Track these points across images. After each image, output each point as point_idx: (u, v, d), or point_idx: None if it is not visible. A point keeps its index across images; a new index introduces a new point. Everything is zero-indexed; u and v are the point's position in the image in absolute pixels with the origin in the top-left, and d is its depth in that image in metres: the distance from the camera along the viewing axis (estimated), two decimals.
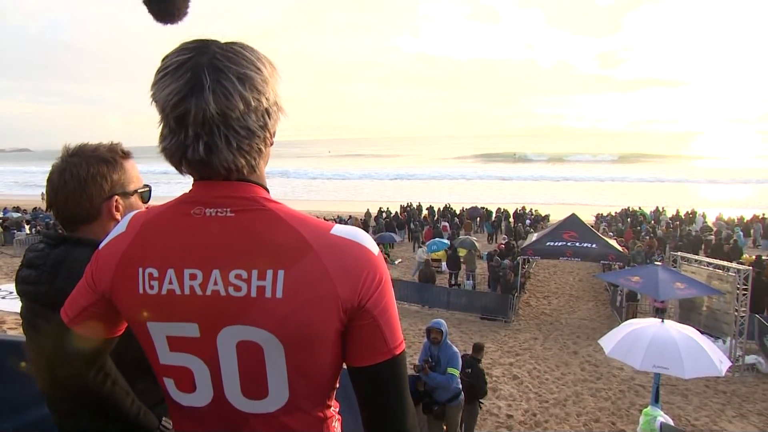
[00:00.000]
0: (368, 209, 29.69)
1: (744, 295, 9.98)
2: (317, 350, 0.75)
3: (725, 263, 11.16)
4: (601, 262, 15.69)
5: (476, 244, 18.65)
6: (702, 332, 9.27)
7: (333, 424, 0.84)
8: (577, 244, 14.35)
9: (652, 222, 25.51)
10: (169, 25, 1.01)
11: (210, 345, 0.75)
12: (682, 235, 20.64)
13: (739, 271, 10.13)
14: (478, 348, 6.61)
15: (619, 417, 7.64)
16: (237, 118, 0.72)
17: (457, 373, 5.25)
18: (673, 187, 48.33)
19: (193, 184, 0.79)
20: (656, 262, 12.11)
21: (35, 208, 27.88)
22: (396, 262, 19.78)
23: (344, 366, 0.82)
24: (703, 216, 25.88)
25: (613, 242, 15.29)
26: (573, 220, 15.44)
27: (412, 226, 24.59)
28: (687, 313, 11.38)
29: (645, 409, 4.64)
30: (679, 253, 12.74)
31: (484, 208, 28.70)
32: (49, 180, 1.18)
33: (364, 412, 0.79)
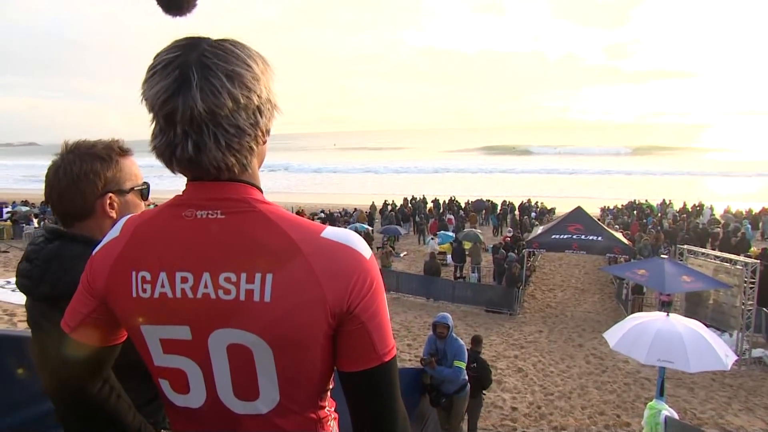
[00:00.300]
0: (373, 202, 29.69)
1: (751, 288, 9.91)
2: (306, 354, 0.75)
3: (732, 256, 11.08)
4: (607, 255, 15.64)
5: (481, 236, 18.63)
6: (708, 326, 9.26)
7: (328, 423, 0.84)
8: (583, 236, 14.30)
9: (659, 215, 25.34)
10: (177, 17, 1.00)
11: (201, 347, 0.75)
12: (689, 228, 20.51)
13: (746, 264, 10.06)
14: (478, 341, 6.66)
15: (624, 410, 7.64)
16: (226, 116, 0.71)
17: (463, 365, 5.28)
18: (681, 180, 47.88)
19: (186, 185, 0.78)
20: (662, 255, 12.06)
21: (43, 201, 28.14)
22: (401, 255, 19.80)
23: None
24: (711, 209, 25.67)
25: (618, 235, 15.21)
26: (579, 213, 15.37)
27: (417, 218, 24.56)
28: (693, 307, 11.33)
29: (650, 403, 4.63)
30: (685, 247, 12.68)
31: (489, 200, 28.63)
32: (46, 176, 1.19)
33: (353, 417, 0.79)
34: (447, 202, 29.40)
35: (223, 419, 0.78)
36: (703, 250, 12.75)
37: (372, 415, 0.77)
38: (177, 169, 0.75)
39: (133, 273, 0.76)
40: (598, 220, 17.79)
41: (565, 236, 14.50)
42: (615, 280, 14.96)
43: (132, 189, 1.22)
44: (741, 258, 10.84)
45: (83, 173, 1.14)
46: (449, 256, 17.53)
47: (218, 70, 0.70)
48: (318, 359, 0.76)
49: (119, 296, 0.78)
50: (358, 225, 21.74)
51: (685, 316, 10.12)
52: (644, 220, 23.31)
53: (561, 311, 13.67)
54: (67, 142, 1.20)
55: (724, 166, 57.34)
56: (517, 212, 26.57)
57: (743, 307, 9.95)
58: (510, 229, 22.54)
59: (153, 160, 0.74)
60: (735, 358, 4.82)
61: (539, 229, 16.88)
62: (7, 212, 22.99)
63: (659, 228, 20.45)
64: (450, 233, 19.71)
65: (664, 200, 28.80)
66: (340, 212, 27.36)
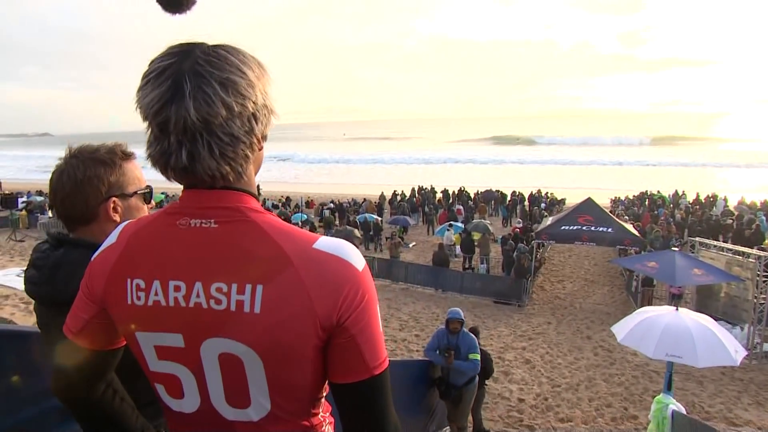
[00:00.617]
0: (383, 192, 29.68)
1: (764, 281, 9.78)
2: (295, 365, 0.75)
3: (745, 249, 10.93)
4: (617, 246, 15.51)
5: (490, 227, 18.57)
6: (720, 319, 9.18)
7: (323, 429, 0.84)
8: (593, 228, 14.17)
9: (671, 206, 25.01)
10: (177, 14, 1.00)
11: (194, 355, 0.76)
12: (701, 220, 20.24)
13: (759, 257, 9.92)
14: (476, 332, 6.72)
15: (631, 402, 7.62)
16: (220, 125, 0.71)
17: (478, 357, 5.34)
18: (696, 170, 47.02)
19: (181, 192, 0.79)
20: (673, 248, 11.93)
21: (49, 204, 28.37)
22: (410, 246, 19.82)
23: None
24: (725, 200, 25.21)
25: (629, 227, 15.06)
26: (589, 204, 15.23)
27: (426, 209, 24.51)
28: (704, 300, 11.21)
29: (657, 397, 4.62)
30: (697, 239, 12.51)
31: (498, 191, 28.45)
32: (50, 181, 1.20)
33: (344, 428, 0.79)
34: (456, 192, 29.29)
35: (216, 425, 0.79)
36: (716, 243, 12.57)
37: (362, 427, 0.78)
38: (172, 177, 0.75)
39: (129, 280, 0.77)
40: (609, 211, 17.62)
41: (575, 228, 14.39)
42: (625, 271, 14.84)
43: (135, 193, 1.23)
44: (754, 251, 10.68)
45: (87, 178, 1.15)
46: (458, 247, 17.51)
47: (212, 78, 0.70)
48: (309, 370, 0.76)
49: (116, 303, 0.79)
50: (367, 215, 21.77)
51: (696, 309, 10.07)
52: (656, 212, 23.03)
53: (570, 303, 13.62)
54: (71, 146, 1.21)
55: (741, 156, 56.12)
56: (527, 203, 26.40)
57: (755, 300, 9.83)
58: (519, 220, 22.42)
59: None
60: (744, 353, 4.77)
61: (549, 220, 16.77)
62: (22, 202, 23.32)
63: (671, 219, 20.20)
64: (459, 224, 19.67)
65: (676, 191, 28.35)
66: (349, 202, 27.40)
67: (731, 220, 19.54)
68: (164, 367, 0.79)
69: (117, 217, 1.19)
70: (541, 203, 25.72)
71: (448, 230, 18.42)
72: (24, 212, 21.84)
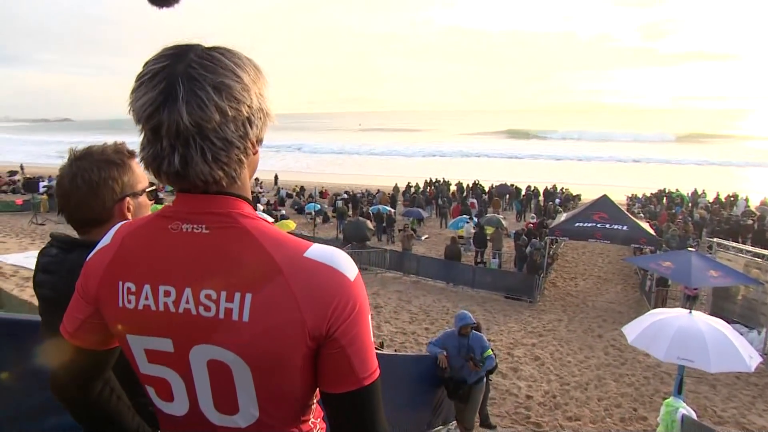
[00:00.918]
0: (396, 183, 29.62)
1: None
2: (284, 374, 0.74)
3: (765, 251, 10.69)
4: (632, 245, 15.29)
5: (503, 222, 18.44)
6: (736, 322, 9.02)
7: None
8: (608, 225, 13.99)
9: (689, 205, 24.52)
10: (163, 8, 0.98)
11: (183, 360, 0.75)
12: (720, 220, 19.83)
13: None
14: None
15: (641, 404, 7.56)
16: (213, 129, 0.70)
17: (491, 352, 5.38)
18: (717, 169, 45.86)
19: (175, 196, 0.78)
20: (690, 248, 11.72)
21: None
22: (423, 238, 19.79)
23: None
24: (746, 200, 24.65)
25: (645, 225, 14.83)
26: (604, 201, 15.03)
27: (440, 202, 24.40)
28: (721, 302, 11.02)
29: (667, 400, 4.55)
30: (715, 239, 12.28)
31: (513, 185, 28.20)
32: (59, 185, 1.20)
33: None
34: (470, 185, 29.12)
35: (204, 429, 0.79)
36: (734, 244, 12.32)
37: None
38: (165, 181, 0.74)
39: (120, 283, 0.77)
40: (625, 208, 17.37)
41: (589, 224, 14.22)
42: (639, 270, 14.65)
43: (144, 191, 1.25)
44: None
45: (102, 180, 1.17)
46: (471, 241, 17.44)
47: (205, 82, 0.69)
48: (298, 379, 0.76)
49: (108, 305, 0.79)
50: (380, 207, 21.77)
51: (712, 311, 9.91)
52: (673, 210, 22.62)
53: (582, 300, 13.50)
54: (74, 149, 1.22)
55: (765, 155, 54.63)
56: (541, 198, 26.14)
57: None
58: (533, 215, 22.21)
59: None
60: (760, 360, 4.68)
61: (563, 216, 16.58)
62: (44, 186, 23.80)
63: (689, 219, 19.83)
64: (471, 218, 19.57)
65: (695, 189, 27.79)
66: (362, 193, 27.42)
67: (752, 221, 19.12)
68: (154, 371, 0.79)
69: (130, 216, 1.21)
70: (556, 198, 25.43)
71: (467, 223, 18.31)
72: (45, 196, 22.27)
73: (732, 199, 25.34)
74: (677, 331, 4.43)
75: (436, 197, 25.65)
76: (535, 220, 19.39)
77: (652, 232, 14.43)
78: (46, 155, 56.87)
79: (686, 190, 27.68)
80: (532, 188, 27.30)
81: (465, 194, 27.07)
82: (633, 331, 4.89)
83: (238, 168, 0.75)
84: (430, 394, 5.50)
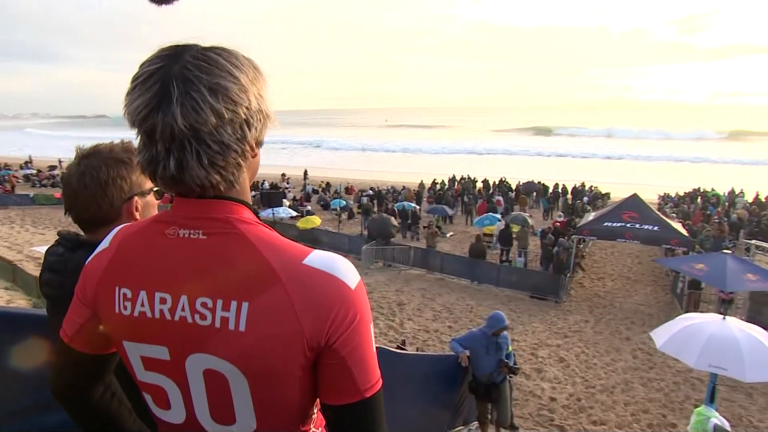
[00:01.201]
0: (422, 180, 29.51)
1: None
2: (282, 385, 0.72)
3: None
4: (663, 246, 14.82)
5: (529, 220, 18.16)
6: None
7: None
8: (637, 225, 13.57)
9: (726, 205, 23.60)
10: (163, 5, 0.98)
11: (179, 369, 0.74)
12: (759, 221, 19.03)
13: None
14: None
15: (671, 410, 7.33)
16: (209, 132, 0.68)
17: (512, 348, 5.47)
18: (758, 168, 43.86)
19: (173, 200, 0.77)
20: (725, 250, 11.29)
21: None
22: (448, 235, 19.68)
23: None
24: None
25: (677, 226, 14.35)
26: (635, 200, 14.58)
27: (465, 199, 24.20)
28: (759, 307, 10.58)
29: (698, 409, 4.39)
30: (753, 241, 11.79)
31: (540, 182, 27.70)
32: (66, 183, 1.19)
33: None
34: (497, 183, 28.75)
35: None
36: None
37: None
38: (161, 185, 0.73)
39: (117, 289, 0.76)
40: (656, 208, 16.84)
41: (618, 224, 13.84)
42: (670, 272, 14.19)
43: (151, 190, 1.23)
44: None
45: (111, 179, 1.16)
46: (496, 239, 17.24)
47: (200, 84, 0.67)
48: (296, 390, 0.73)
49: (105, 310, 0.78)
50: (405, 203, 21.74)
51: (748, 316, 9.53)
52: (708, 211, 21.83)
53: (610, 302, 13.18)
54: (82, 147, 1.22)
55: None
56: (569, 196, 25.62)
57: None
58: (561, 213, 21.79)
59: None
60: None
61: (591, 216, 16.20)
62: None
63: (725, 219, 19.10)
64: (496, 215, 19.33)
65: (732, 189, 26.73)
66: (388, 189, 27.44)
67: None
68: (151, 378, 0.78)
69: (137, 215, 1.20)
70: (584, 197, 24.88)
71: (500, 221, 18.10)
72: None
73: None
74: (710, 337, 4.26)
75: (462, 194, 25.45)
76: (562, 219, 19.02)
77: (684, 232, 13.96)
78: None
79: (722, 189, 26.67)
80: (560, 186, 26.79)
81: (491, 191, 26.76)
82: (662, 335, 4.73)
83: (236, 172, 0.73)
84: (452, 393, 5.46)
